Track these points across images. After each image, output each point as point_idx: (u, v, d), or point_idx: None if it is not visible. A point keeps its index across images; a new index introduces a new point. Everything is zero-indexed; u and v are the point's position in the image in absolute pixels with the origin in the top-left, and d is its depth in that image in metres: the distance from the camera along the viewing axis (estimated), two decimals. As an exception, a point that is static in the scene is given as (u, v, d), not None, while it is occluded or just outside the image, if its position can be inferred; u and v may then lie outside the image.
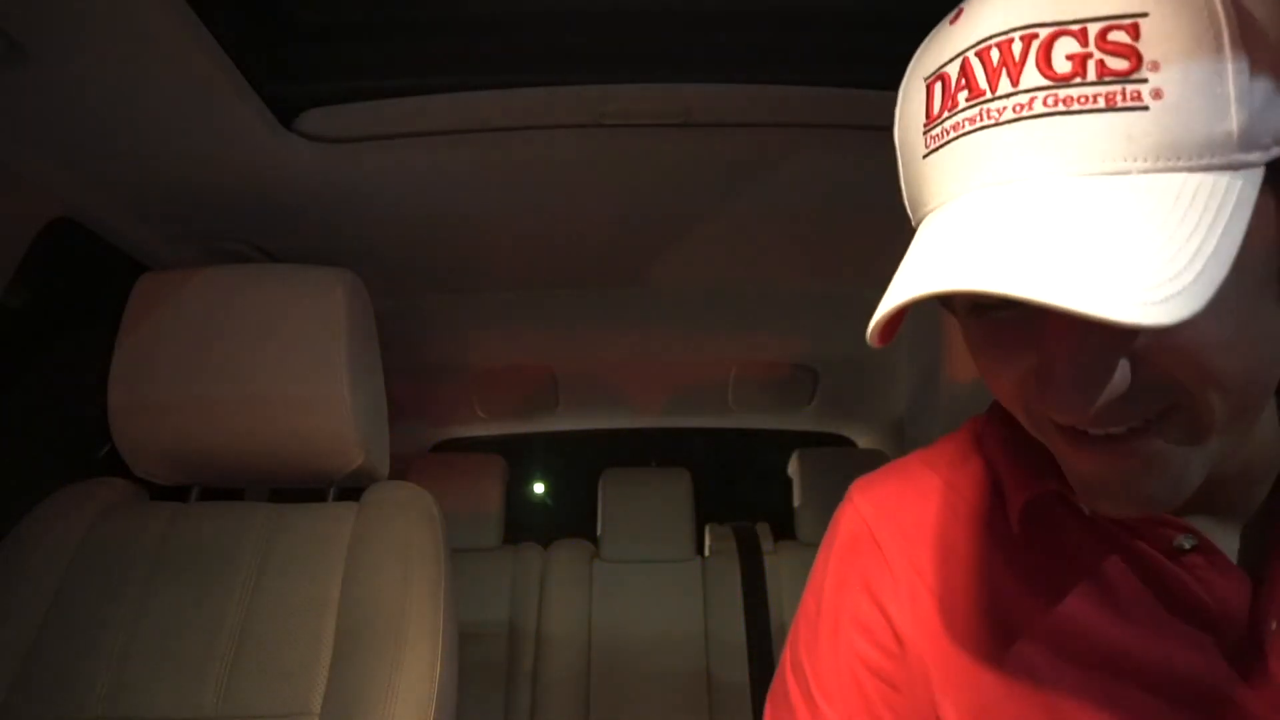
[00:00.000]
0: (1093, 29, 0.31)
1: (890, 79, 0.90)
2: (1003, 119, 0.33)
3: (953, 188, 0.35)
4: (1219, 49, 0.30)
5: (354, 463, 0.91)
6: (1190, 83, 0.30)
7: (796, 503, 1.82)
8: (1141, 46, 0.30)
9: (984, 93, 0.33)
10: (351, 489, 0.96)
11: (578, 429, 2.03)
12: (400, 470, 0.99)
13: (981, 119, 0.33)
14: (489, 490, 1.85)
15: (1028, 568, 0.46)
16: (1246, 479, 0.42)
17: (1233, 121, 0.30)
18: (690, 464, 1.91)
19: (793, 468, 1.87)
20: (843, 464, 1.83)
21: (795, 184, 1.01)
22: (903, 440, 1.75)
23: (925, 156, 0.36)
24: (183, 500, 0.95)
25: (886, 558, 0.50)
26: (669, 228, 1.14)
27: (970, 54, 0.34)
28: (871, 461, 1.83)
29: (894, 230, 1.22)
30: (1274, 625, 0.39)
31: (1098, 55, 0.31)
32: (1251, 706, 0.38)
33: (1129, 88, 0.30)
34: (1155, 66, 0.30)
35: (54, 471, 1.17)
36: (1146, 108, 0.30)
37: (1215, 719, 0.39)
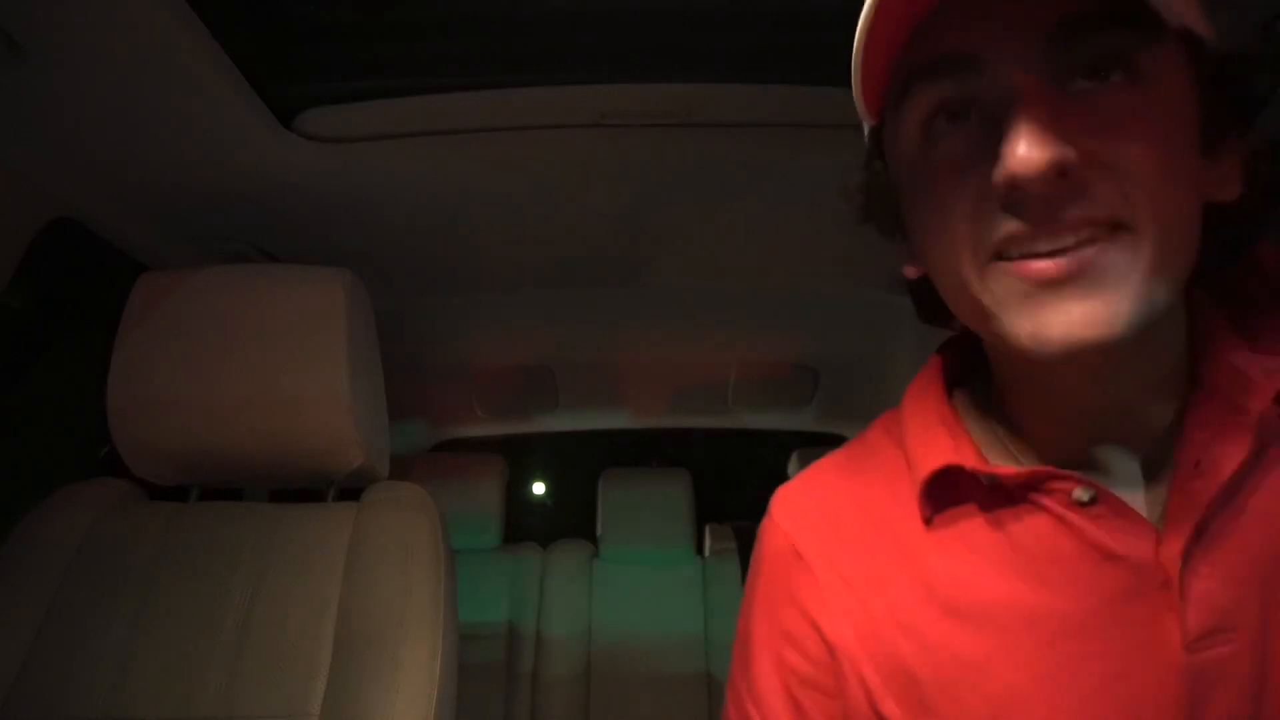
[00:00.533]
0: None
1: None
2: None
3: None
4: None
5: (354, 463, 0.91)
6: None
7: (797, 503, 1.82)
8: None
9: None
10: (351, 489, 0.96)
11: (578, 429, 2.03)
12: (400, 470, 0.99)
13: None
14: (489, 490, 1.85)
15: (946, 550, 0.46)
16: (1147, 404, 0.43)
17: None
18: (690, 464, 1.91)
19: (793, 468, 1.87)
20: (843, 464, 1.83)
21: (795, 184, 1.01)
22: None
23: None
24: (182, 500, 0.95)
25: (810, 567, 0.50)
26: (669, 228, 1.14)
27: None
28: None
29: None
30: (1180, 567, 0.39)
31: None
32: (1168, 647, 0.39)
33: None
34: None
35: (54, 472, 1.17)
36: None
37: (1140, 660, 0.40)
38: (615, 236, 1.17)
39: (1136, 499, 0.43)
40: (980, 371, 0.51)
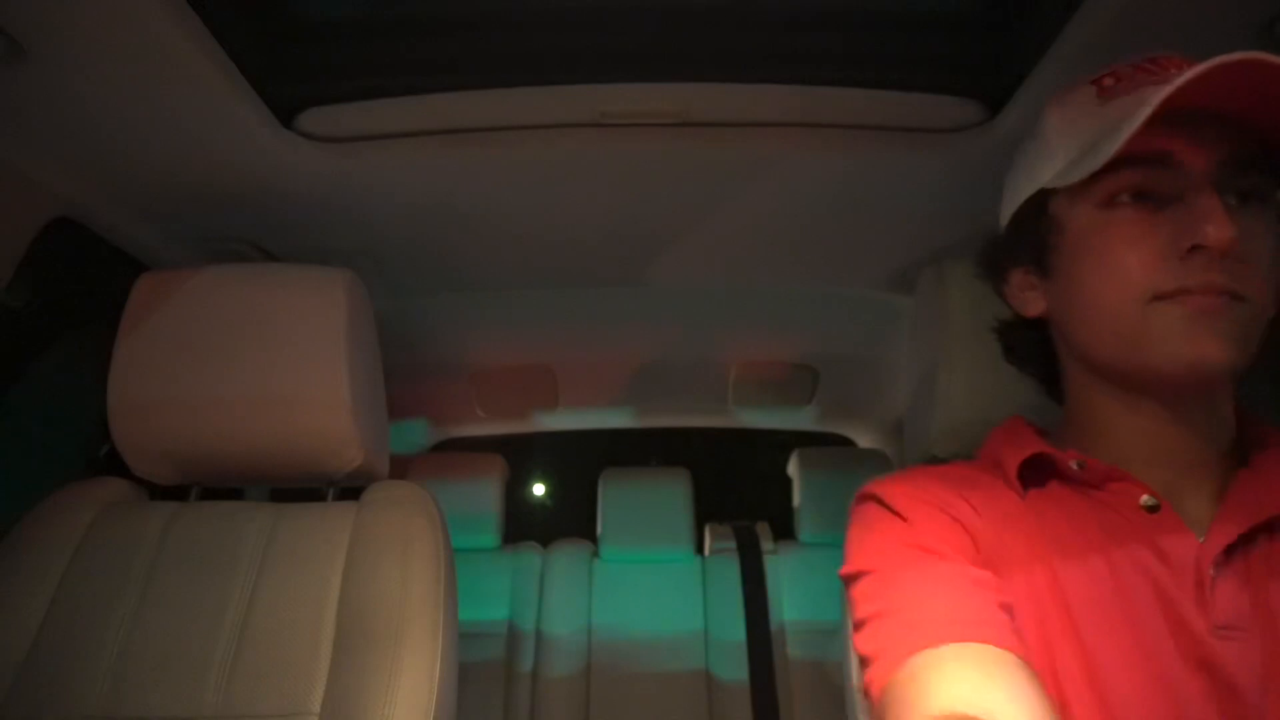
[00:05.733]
0: None
1: (890, 79, 0.90)
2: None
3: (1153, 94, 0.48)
4: None
5: (354, 462, 0.91)
6: None
7: (796, 503, 1.82)
8: None
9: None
10: (351, 489, 0.96)
11: (578, 429, 2.03)
12: (400, 470, 0.99)
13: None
14: (489, 490, 1.85)
15: (1042, 511, 0.58)
16: (1210, 445, 0.57)
17: None
18: (690, 464, 1.91)
19: (793, 467, 1.87)
20: (843, 464, 1.83)
21: (795, 184, 1.01)
22: (902, 440, 1.74)
23: (1101, 105, 0.55)
24: (182, 500, 0.95)
25: (904, 501, 0.60)
26: (669, 228, 1.14)
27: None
28: (871, 461, 1.84)
29: (895, 231, 1.23)
30: (1211, 571, 0.51)
31: None
32: (1194, 622, 0.51)
33: None
34: None
35: (53, 471, 1.17)
36: None
37: (1172, 636, 0.51)
38: (615, 236, 1.17)
39: (1193, 513, 0.55)
40: (1057, 428, 0.65)
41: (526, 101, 0.86)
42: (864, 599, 0.55)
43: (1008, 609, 0.51)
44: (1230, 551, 0.52)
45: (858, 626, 0.54)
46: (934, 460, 0.85)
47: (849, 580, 0.58)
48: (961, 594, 0.51)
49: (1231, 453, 0.58)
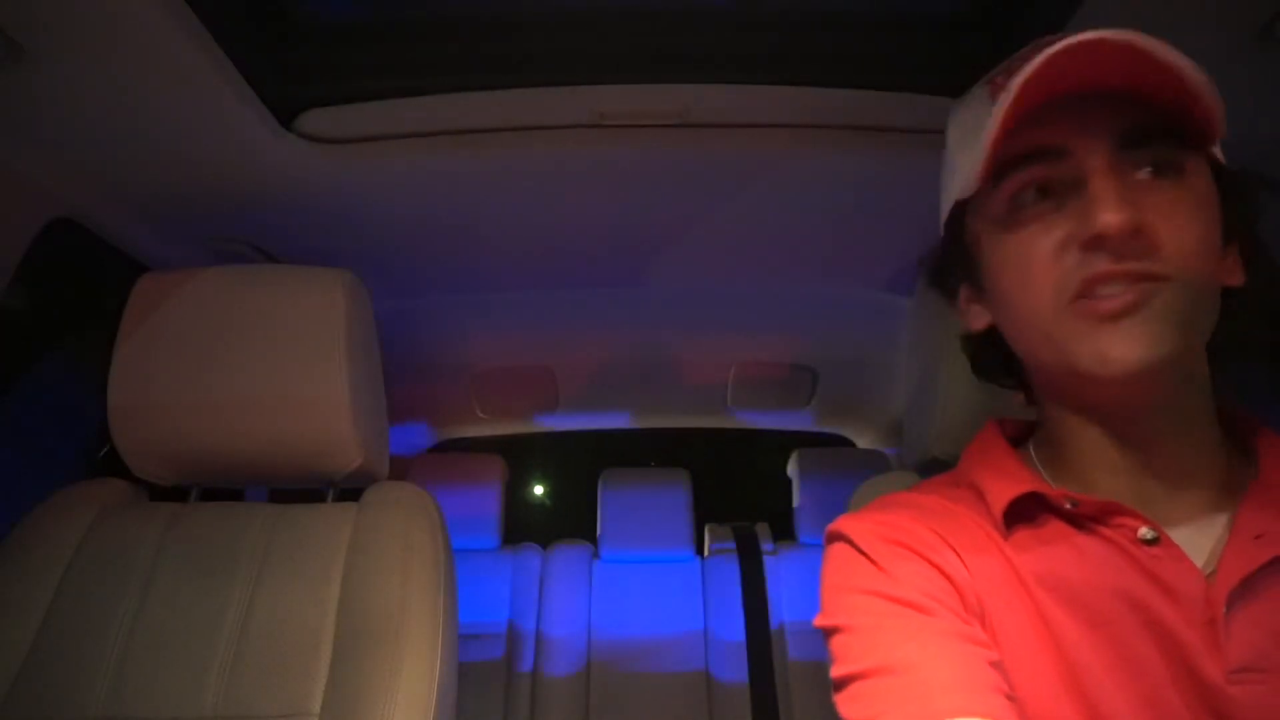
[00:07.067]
0: None
1: (890, 79, 0.90)
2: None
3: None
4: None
5: (354, 463, 0.91)
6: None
7: (796, 503, 1.82)
8: None
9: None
10: (351, 489, 0.96)
11: (578, 429, 2.03)
12: (400, 470, 0.99)
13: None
14: (489, 490, 1.85)
15: (1027, 552, 0.53)
16: (1196, 456, 0.53)
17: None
18: (690, 464, 1.91)
19: (792, 468, 1.87)
20: (842, 464, 1.83)
21: (795, 184, 1.01)
22: (901, 440, 1.74)
23: (993, 104, 0.49)
24: (182, 500, 0.95)
25: (876, 546, 0.55)
26: (669, 228, 1.14)
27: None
28: (871, 461, 1.84)
29: (894, 230, 1.23)
30: (1224, 610, 0.47)
31: None
32: (1206, 668, 0.46)
33: None
34: None
35: (54, 472, 1.17)
36: None
37: (1183, 681, 0.47)
38: (615, 236, 1.17)
39: (1195, 546, 0.50)
40: (1036, 435, 0.61)
41: (526, 103, 0.86)
42: (845, 657, 0.51)
43: (999, 666, 0.47)
44: (1246, 583, 0.47)
45: (839, 685, 0.50)
46: (934, 462, 0.85)
47: (826, 632, 0.54)
48: (957, 657, 0.47)
49: (1230, 463, 0.54)
